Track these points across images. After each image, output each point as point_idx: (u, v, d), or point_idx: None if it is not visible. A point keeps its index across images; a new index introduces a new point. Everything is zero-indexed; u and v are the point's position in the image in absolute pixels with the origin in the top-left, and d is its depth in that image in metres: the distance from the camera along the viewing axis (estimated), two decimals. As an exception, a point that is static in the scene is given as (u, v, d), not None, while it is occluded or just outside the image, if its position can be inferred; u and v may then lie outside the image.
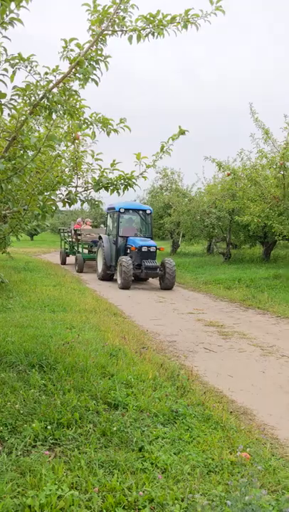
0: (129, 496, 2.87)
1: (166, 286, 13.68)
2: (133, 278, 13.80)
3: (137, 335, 7.23)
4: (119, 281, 13.51)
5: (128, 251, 14.40)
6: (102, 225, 23.39)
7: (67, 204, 4.46)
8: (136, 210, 15.44)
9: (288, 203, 13.70)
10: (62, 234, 22.35)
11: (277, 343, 7.47)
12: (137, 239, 14.51)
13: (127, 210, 15.05)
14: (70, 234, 20.45)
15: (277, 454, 3.62)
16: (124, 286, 13.23)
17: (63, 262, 20.70)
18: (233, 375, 5.68)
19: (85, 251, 18.86)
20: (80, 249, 18.50)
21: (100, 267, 15.51)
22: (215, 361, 6.28)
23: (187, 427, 3.93)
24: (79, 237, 18.65)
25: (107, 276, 15.13)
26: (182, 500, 2.87)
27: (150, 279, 15.31)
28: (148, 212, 15.36)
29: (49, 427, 3.70)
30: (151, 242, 14.36)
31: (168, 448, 3.54)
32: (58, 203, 4.33)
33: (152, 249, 14.09)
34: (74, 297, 10.37)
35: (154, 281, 15.43)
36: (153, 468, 3.24)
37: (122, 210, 14.74)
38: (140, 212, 15.40)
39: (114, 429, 3.73)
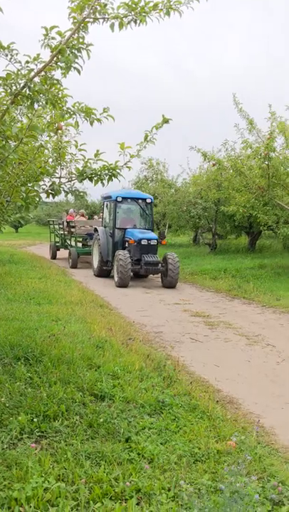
0: (116, 486, 2.88)
1: (169, 283, 12.31)
2: (132, 274, 12.61)
3: (123, 326, 7.22)
4: (116, 279, 12.15)
5: (126, 244, 13.11)
6: (95, 217, 22.31)
7: (51, 195, 4.40)
8: (135, 199, 13.84)
9: (273, 193, 13.76)
10: (52, 226, 20.50)
11: (263, 332, 7.53)
12: (136, 231, 13.17)
13: (124, 198, 13.56)
14: (61, 226, 18.86)
15: (263, 442, 3.65)
16: (122, 284, 11.94)
17: (53, 257, 19.14)
18: (219, 365, 5.71)
19: (79, 245, 17.43)
20: (74, 243, 17.14)
21: (95, 263, 14.22)
22: (201, 351, 6.31)
23: (174, 417, 3.94)
24: (72, 230, 17.20)
25: (104, 273, 13.80)
26: (169, 490, 2.88)
27: (150, 275, 13.92)
28: (148, 201, 13.89)
29: (35, 420, 3.69)
30: (151, 235, 13.05)
31: (155, 438, 3.55)
32: (41, 195, 4.27)
33: (153, 242, 12.75)
34: (60, 289, 10.32)
35: (156, 278, 13.92)
36: (140, 458, 3.25)
37: (119, 199, 13.33)
38: (139, 201, 13.84)
39: (101, 420, 3.73)
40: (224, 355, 6.14)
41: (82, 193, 4.57)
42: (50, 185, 4.37)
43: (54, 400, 4.02)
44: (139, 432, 3.63)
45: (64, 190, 4.45)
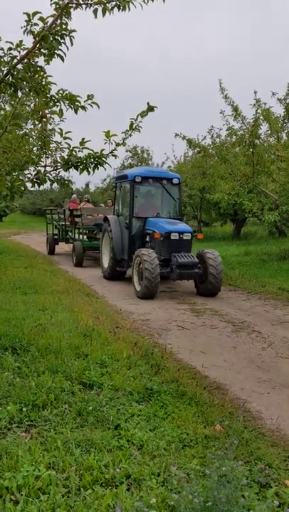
0: (106, 473, 2.91)
1: (210, 290, 9.29)
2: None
3: (110, 315, 7.24)
4: (137, 287, 9.23)
5: (147, 239, 10.21)
6: (101, 204, 19.57)
7: (36, 184, 4.37)
8: (158, 179, 10.73)
9: (257, 180, 13.82)
10: (49, 216, 17.72)
11: (248, 318, 7.61)
12: (162, 221, 10.09)
13: (145, 178, 10.48)
14: (61, 216, 16.26)
15: (250, 426, 3.72)
16: (147, 295, 8.88)
17: (51, 251, 16.59)
18: (206, 352, 5.77)
19: (85, 238, 14.74)
20: (79, 236, 14.78)
21: (105, 261, 11.39)
22: (188, 338, 6.37)
23: (162, 404, 3.99)
24: (77, 220, 14.45)
25: (117, 274, 11.05)
26: (158, 475, 2.92)
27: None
28: (175, 181, 10.83)
29: (24, 409, 3.70)
30: (183, 226, 9.99)
31: (143, 425, 3.58)
32: (26, 183, 4.23)
33: (186, 236, 9.61)
34: (46, 278, 10.28)
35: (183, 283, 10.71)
36: (129, 445, 3.29)
37: (137, 179, 10.30)
38: (164, 181, 10.73)
39: (90, 408, 3.75)
40: (211, 342, 6.20)
41: (67, 182, 4.54)
42: (36, 174, 4.34)
43: (43, 389, 4.03)
44: (128, 419, 3.66)
45: (49, 179, 4.42)
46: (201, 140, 18.56)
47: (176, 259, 9.20)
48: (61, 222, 16.23)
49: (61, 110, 3.98)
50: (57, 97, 3.88)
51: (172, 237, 9.49)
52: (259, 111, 13.39)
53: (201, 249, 9.79)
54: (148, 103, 3.91)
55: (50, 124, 4.53)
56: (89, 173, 4.21)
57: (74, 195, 17.76)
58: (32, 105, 4.52)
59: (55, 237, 16.69)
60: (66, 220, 15.54)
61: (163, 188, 10.86)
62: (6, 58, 3.43)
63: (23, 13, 3.37)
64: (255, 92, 13.59)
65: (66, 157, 4.23)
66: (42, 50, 3.43)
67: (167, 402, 4.03)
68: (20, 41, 3.41)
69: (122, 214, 11.09)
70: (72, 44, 3.47)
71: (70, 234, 15.54)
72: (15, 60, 3.48)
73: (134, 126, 3.97)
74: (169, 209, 11.11)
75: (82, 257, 13.55)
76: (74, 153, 4.21)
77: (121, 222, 10.96)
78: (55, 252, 16.66)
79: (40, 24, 3.40)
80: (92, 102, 3.86)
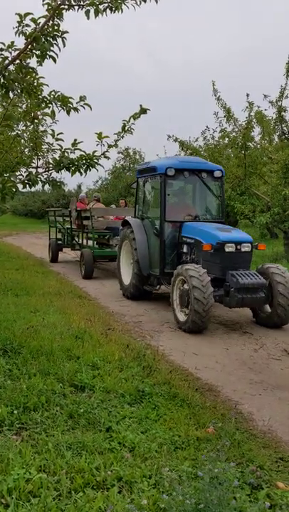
0: (97, 476, 2.90)
1: (276, 322, 7.04)
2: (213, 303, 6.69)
3: (102, 316, 7.23)
4: (180, 316, 6.96)
5: (184, 249, 7.89)
6: (112, 205, 17.09)
7: (27, 185, 4.35)
8: (195, 172, 8.30)
9: (249, 183, 13.88)
10: (51, 218, 15.67)
11: (240, 320, 7.63)
12: (208, 226, 7.71)
13: (179, 171, 8.07)
14: (67, 219, 14.13)
15: (242, 428, 3.72)
16: (197, 328, 6.63)
17: (54, 259, 14.41)
18: (198, 353, 5.77)
19: (94, 243, 12.08)
20: (88, 242, 12.69)
21: (126, 277, 9.22)
22: (180, 340, 6.37)
23: (154, 406, 3.98)
24: (86, 223, 12.24)
25: (141, 292, 8.86)
26: (150, 478, 2.92)
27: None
28: (217, 174, 8.42)
29: (15, 412, 3.68)
30: (240, 234, 7.54)
31: (135, 427, 3.58)
32: (18, 185, 4.21)
33: (246, 247, 7.22)
34: (37, 280, 10.24)
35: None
36: (121, 447, 3.28)
37: (170, 173, 7.94)
38: (203, 174, 8.34)
39: (82, 410, 3.74)
40: (203, 344, 6.21)
41: (59, 183, 4.53)
42: (27, 176, 4.32)
43: (34, 391, 4.01)
44: (119, 422, 3.65)
45: (41, 180, 4.40)
46: (194, 142, 18.60)
47: (237, 280, 6.74)
48: (66, 225, 14.19)
49: (53, 112, 3.97)
50: (49, 98, 3.86)
51: (227, 249, 7.00)
52: (252, 113, 13.47)
53: (263, 265, 7.47)
54: (141, 105, 3.91)
55: (42, 126, 4.52)
56: (81, 174, 4.19)
57: (82, 194, 15.75)
58: (24, 106, 4.51)
59: (59, 242, 14.59)
60: (73, 223, 13.41)
61: (202, 183, 8.42)
62: (-2, 59, 3.41)
63: (16, 14, 3.36)
64: (248, 95, 13.67)
65: (58, 158, 4.21)
66: (34, 51, 3.42)
67: (159, 404, 4.02)
68: (12, 42, 3.40)
69: (149, 217, 8.70)
70: (64, 45, 3.46)
71: (77, 239, 13.47)
72: (6, 61, 3.46)
73: (126, 128, 3.97)
74: (209, 210, 8.72)
75: (92, 267, 11.42)
76: (66, 154, 4.19)
77: (146, 227, 8.66)
78: (60, 259, 14.68)
79: (32, 25, 3.40)
80: (84, 104, 3.86)
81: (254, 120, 13.84)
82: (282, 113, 13.56)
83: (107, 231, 12.17)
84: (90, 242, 12.33)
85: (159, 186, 8.12)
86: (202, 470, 2.69)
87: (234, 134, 14.22)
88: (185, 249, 7.91)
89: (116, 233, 11.37)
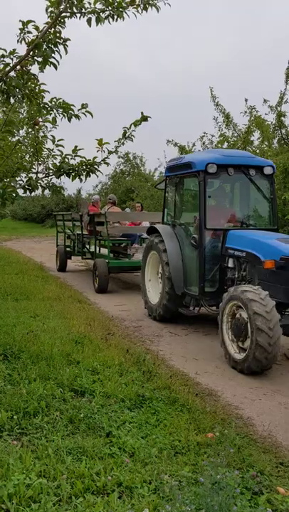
0: (97, 481, 2.90)
1: None
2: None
3: (102, 321, 7.23)
4: (235, 353, 5.45)
5: (229, 263, 6.40)
6: (127, 209, 15.55)
7: (28, 191, 4.37)
8: (242, 168, 6.78)
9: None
10: (61, 222, 14.15)
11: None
12: (263, 236, 6.16)
13: (222, 168, 6.58)
14: (77, 224, 12.75)
15: (242, 433, 3.72)
16: (260, 368, 5.15)
17: (62, 267, 13.23)
18: (198, 358, 5.78)
19: (104, 251, 10.91)
20: (100, 250, 11.31)
21: (153, 294, 7.90)
22: (180, 345, 6.37)
23: (154, 411, 3.98)
24: (100, 229, 10.83)
25: (174, 314, 7.44)
26: (150, 483, 2.92)
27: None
28: (267, 171, 6.90)
29: (15, 417, 3.68)
30: None
31: (135, 432, 3.58)
32: (18, 190, 4.23)
33: None
34: (37, 285, 10.25)
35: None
36: (121, 452, 3.28)
37: (211, 169, 6.45)
38: (251, 171, 6.81)
39: (82, 415, 3.74)
40: (203, 349, 6.21)
41: (59, 188, 4.55)
42: (27, 181, 4.34)
43: (34, 396, 4.02)
44: (119, 427, 3.66)
45: (41, 186, 4.42)
46: (192, 147, 18.65)
47: None
48: (77, 230, 12.71)
49: (54, 118, 3.99)
50: (50, 104, 3.89)
51: None
52: (251, 118, 13.52)
53: None
54: (142, 113, 3.93)
55: (43, 132, 4.54)
56: (81, 180, 4.22)
57: (96, 196, 13.95)
58: (25, 113, 4.53)
59: (68, 249, 13.28)
60: (84, 228, 11.94)
61: (249, 182, 6.95)
62: (-1, 65, 3.45)
63: (19, 21, 3.39)
64: (246, 100, 13.73)
65: (58, 164, 4.24)
66: (36, 57, 3.45)
67: (159, 409, 4.03)
68: (14, 49, 3.43)
69: (182, 223, 7.35)
70: (66, 52, 3.49)
71: (88, 246, 12.02)
72: (8, 68, 3.49)
73: (127, 134, 3.99)
74: (259, 215, 7.25)
75: (107, 279, 10.07)
76: (66, 160, 4.22)
77: (180, 235, 7.31)
78: (67, 268, 13.45)
79: (34, 32, 3.43)
80: (86, 111, 3.88)
81: (253, 125, 13.88)
82: (282, 118, 13.61)
83: (124, 238, 10.74)
84: (104, 251, 10.95)
85: (197, 186, 6.68)
86: (203, 475, 2.70)
87: (234, 139, 14.25)
88: (231, 264, 6.38)
89: (133, 241, 10.66)
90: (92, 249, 11.53)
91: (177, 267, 7.13)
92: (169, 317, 7.48)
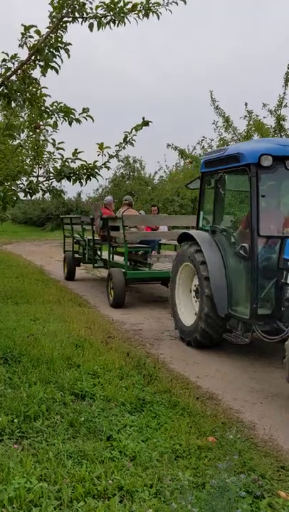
0: (98, 485, 2.89)
1: None
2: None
3: (102, 324, 7.23)
4: None
5: None
6: (141, 211, 13.79)
7: (28, 194, 4.38)
8: None
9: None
10: (69, 226, 12.61)
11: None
12: None
13: (279, 160, 5.29)
14: (86, 227, 11.46)
15: (243, 437, 3.72)
16: None
17: (70, 276, 12.05)
18: (199, 362, 5.77)
19: (127, 261, 8.99)
20: (112, 257, 10.03)
21: (187, 315, 6.67)
22: (181, 348, 6.36)
23: (154, 415, 3.98)
24: (115, 234, 9.50)
25: (215, 341, 6.20)
26: (151, 487, 2.91)
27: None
28: None
29: (16, 420, 3.67)
30: None
31: (136, 436, 3.57)
32: (19, 193, 4.24)
33: None
34: (37, 288, 10.24)
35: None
36: (122, 456, 3.27)
37: (266, 162, 5.21)
38: None
39: (82, 419, 3.74)
40: (203, 352, 6.20)
41: (59, 192, 4.56)
42: (28, 184, 4.36)
43: (34, 400, 4.01)
44: (120, 430, 3.65)
45: (42, 189, 4.44)
46: (192, 151, 18.72)
47: None
48: (88, 235, 11.40)
49: (55, 122, 4.01)
50: (51, 109, 3.90)
51: None
52: (251, 122, 13.58)
53: None
54: (143, 118, 3.94)
55: (44, 136, 4.56)
56: (82, 184, 4.23)
57: (109, 197, 12.14)
58: (25, 117, 4.55)
59: (78, 255, 12.10)
60: (96, 233, 10.53)
61: None
62: (0, 70, 3.46)
63: (21, 25, 3.40)
64: (246, 104, 13.79)
65: (59, 168, 4.25)
66: (37, 62, 3.47)
67: (160, 412, 4.02)
68: (15, 54, 3.45)
69: (225, 229, 6.16)
70: (68, 56, 3.51)
71: (100, 253, 11.03)
72: (9, 72, 3.51)
73: (128, 139, 4.01)
74: None
75: (124, 292, 8.78)
76: (67, 163, 4.23)
77: (221, 244, 6.11)
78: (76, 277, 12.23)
79: (36, 37, 3.45)
80: (86, 115, 3.90)
81: (253, 128, 13.94)
82: (281, 122, 13.67)
83: (143, 245, 9.48)
84: (117, 258, 9.91)
85: (247, 183, 5.47)
86: (205, 479, 2.69)
87: (233, 142, 14.30)
88: None
89: (153, 248, 9.65)
90: (105, 256, 10.45)
91: (220, 283, 5.83)
92: (208, 344, 6.21)
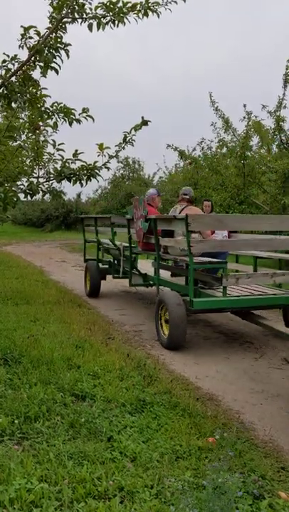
0: (99, 485, 2.89)
1: None
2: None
3: (102, 325, 7.22)
4: None
5: None
6: (171, 210, 8.08)
7: (28, 195, 4.39)
8: None
9: (248, 192, 13.95)
10: (89, 227, 10.33)
11: (241, 329, 7.63)
12: None
13: None
14: (116, 231, 8.70)
15: (243, 438, 3.71)
16: None
17: (94, 291, 9.52)
18: (199, 363, 5.77)
19: (194, 281, 5.97)
20: (159, 273, 7.20)
21: None
22: (181, 349, 6.35)
23: (155, 415, 3.97)
24: (169, 244, 6.93)
25: None
26: (152, 487, 2.91)
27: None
28: None
29: (16, 421, 3.67)
30: None
31: (136, 437, 3.57)
32: (19, 195, 4.25)
33: None
34: (37, 289, 10.24)
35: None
36: (122, 457, 3.27)
37: None
38: None
39: (83, 420, 3.73)
40: (204, 353, 6.20)
41: (59, 193, 4.57)
42: (28, 185, 4.36)
43: (35, 400, 4.01)
44: (120, 431, 3.64)
45: (42, 190, 4.44)
46: (191, 151, 18.70)
47: None
48: (118, 242, 8.69)
49: (55, 123, 4.01)
50: (51, 109, 3.91)
51: None
52: (250, 123, 13.60)
53: None
54: (142, 117, 3.95)
55: (44, 136, 4.57)
56: (82, 185, 4.23)
57: (153, 190, 8.66)
58: (25, 117, 4.55)
59: (105, 266, 9.55)
60: (137, 240, 7.67)
61: None
62: (0, 71, 3.47)
63: (21, 27, 3.41)
64: (245, 105, 13.80)
65: (59, 169, 4.25)
66: (37, 63, 3.47)
67: (160, 413, 4.02)
68: (15, 55, 3.46)
69: None
70: (68, 57, 3.51)
71: (136, 268, 8.06)
72: (9, 73, 3.51)
73: (127, 139, 4.01)
74: None
75: (184, 329, 6.07)
76: (67, 164, 4.24)
77: None
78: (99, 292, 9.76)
79: (36, 37, 3.45)
80: (87, 115, 3.90)
81: (252, 130, 13.95)
82: (281, 123, 13.67)
83: (217, 260, 6.68)
84: (163, 273, 7.41)
85: None
86: (205, 479, 2.69)
87: (233, 143, 14.32)
88: None
89: (223, 259, 6.90)
90: (145, 270, 7.93)
91: None
92: None
